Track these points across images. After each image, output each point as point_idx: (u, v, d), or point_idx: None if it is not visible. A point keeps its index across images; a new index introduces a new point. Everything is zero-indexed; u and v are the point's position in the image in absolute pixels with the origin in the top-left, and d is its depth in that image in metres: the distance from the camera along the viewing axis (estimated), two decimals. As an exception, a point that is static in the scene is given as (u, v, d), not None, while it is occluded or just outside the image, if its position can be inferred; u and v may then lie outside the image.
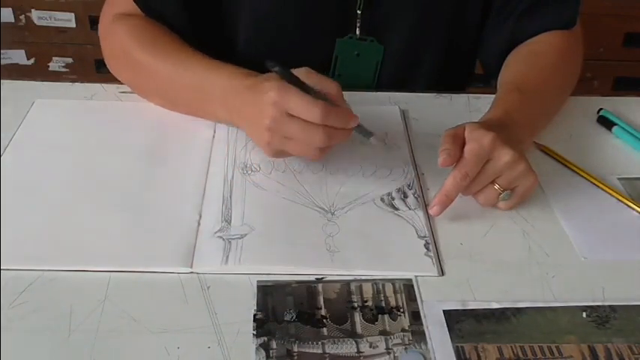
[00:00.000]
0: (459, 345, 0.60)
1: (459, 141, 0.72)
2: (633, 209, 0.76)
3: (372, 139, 0.75)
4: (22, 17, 1.89)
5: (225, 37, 0.96)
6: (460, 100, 0.94)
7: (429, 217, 0.73)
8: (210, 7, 0.93)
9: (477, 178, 0.71)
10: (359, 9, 0.92)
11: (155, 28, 0.89)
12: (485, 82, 1.01)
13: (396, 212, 0.73)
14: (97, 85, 0.91)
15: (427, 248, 0.69)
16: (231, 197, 0.74)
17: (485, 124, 0.74)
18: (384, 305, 0.63)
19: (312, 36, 0.94)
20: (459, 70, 1.04)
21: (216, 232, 0.70)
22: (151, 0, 0.90)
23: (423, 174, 0.79)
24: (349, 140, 0.83)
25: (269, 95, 0.71)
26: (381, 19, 0.93)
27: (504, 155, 0.71)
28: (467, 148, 0.71)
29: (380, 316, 0.62)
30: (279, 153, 0.75)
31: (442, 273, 0.67)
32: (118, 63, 0.91)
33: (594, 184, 0.79)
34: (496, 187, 0.72)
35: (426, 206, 0.74)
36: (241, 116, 0.78)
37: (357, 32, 0.93)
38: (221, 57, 0.84)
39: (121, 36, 0.89)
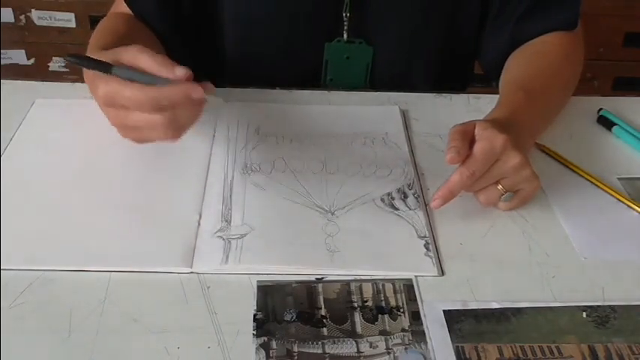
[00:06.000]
0: (459, 345, 0.60)
1: (468, 138, 0.71)
2: (633, 209, 0.76)
3: (210, 98, 0.68)
4: (22, 17, 1.89)
5: (212, 42, 0.95)
6: (460, 100, 0.94)
7: (429, 218, 0.73)
8: (195, 11, 0.93)
9: (482, 177, 0.71)
10: (345, 12, 0.91)
11: (129, 25, 0.88)
12: (486, 82, 1.01)
13: (396, 212, 0.73)
14: (97, 85, 0.91)
15: (427, 248, 0.69)
16: (231, 197, 0.74)
17: (495, 123, 0.73)
18: (384, 305, 0.63)
19: (300, 41, 0.94)
20: (456, 71, 1.04)
21: (216, 232, 0.70)
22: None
23: (423, 174, 0.79)
24: (349, 140, 0.84)
25: (99, 96, 0.69)
26: (369, 21, 0.93)
27: (513, 158, 0.70)
28: (477, 147, 0.70)
29: (380, 316, 0.62)
30: (141, 141, 0.73)
31: (442, 273, 0.67)
32: None
33: (594, 184, 0.79)
34: (499, 187, 0.72)
35: (426, 206, 0.74)
36: None
37: (345, 35, 0.93)
38: (208, 63, 0.82)
39: (94, 33, 0.90)
